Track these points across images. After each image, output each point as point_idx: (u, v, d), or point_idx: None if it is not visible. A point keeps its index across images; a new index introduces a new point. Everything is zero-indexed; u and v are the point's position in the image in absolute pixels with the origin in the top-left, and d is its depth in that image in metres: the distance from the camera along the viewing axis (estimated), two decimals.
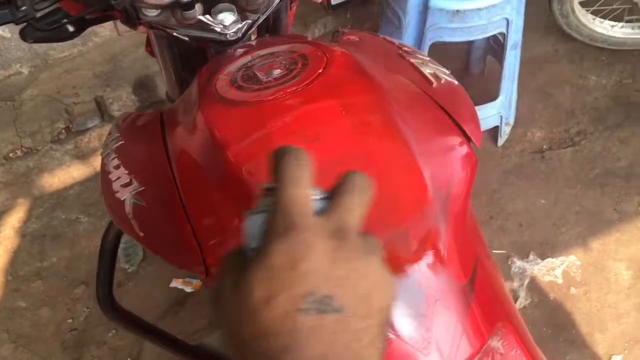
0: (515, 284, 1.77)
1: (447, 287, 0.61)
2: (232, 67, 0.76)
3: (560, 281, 1.77)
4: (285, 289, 0.37)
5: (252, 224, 0.42)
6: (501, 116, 2.08)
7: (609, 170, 2.03)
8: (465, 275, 0.63)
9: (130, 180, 0.73)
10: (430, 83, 0.75)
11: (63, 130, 2.32)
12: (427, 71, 0.77)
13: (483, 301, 0.64)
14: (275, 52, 0.77)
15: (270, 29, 1.03)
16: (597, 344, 1.63)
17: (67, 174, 2.25)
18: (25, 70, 2.46)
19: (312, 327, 0.37)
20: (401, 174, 0.63)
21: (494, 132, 2.14)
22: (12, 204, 2.19)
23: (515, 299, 1.74)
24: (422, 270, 0.60)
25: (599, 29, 2.40)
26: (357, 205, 0.42)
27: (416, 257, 0.60)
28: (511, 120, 2.15)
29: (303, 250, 0.38)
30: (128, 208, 0.70)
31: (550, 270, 1.79)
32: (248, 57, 0.77)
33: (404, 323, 0.58)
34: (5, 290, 1.98)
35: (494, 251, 1.86)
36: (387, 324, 0.41)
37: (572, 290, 1.74)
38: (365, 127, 0.63)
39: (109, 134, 0.88)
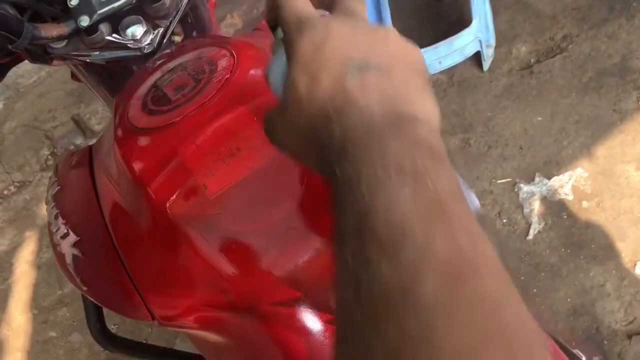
0: (526, 210, 1.72)
1: None
2: (144, 88, 0.72)
3: (570, 197, 1.71)
4: (323, 67, 0.39)
5: (273, 70, 0.44)
6: (480, 40, 1.99)
7: (601, 71, 1.93)
8: None
9: (67, 230, 0.70)
10: None
11: (49, 156, 2.31)
12: None
13: None
14: (184, 63, 0.72)
15: (196, 27, 0.97)
16: (619, 254, 1.58)
17: None
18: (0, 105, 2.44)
19: (360, 84, 0.38)
20: None
21: (477, 58, 2.06)
22: (21, 238, 2.20)
23: (528, 226, 1.69)
24: None
25: None
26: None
27: None
28: (492, 42, 2.05)
29: (323, 33, 0.40)
30: (69, 261, 0.67)
31: (559, 188, 1.73)
32: (158, 74, 0.73)
33: None
34: (34, 324, 2.02)
35: (498, 182, 1.81)
36: (429, 80, 0.42)
37: (585, 204, 1.69)
38: None
39: (50, 178, 0.84)
